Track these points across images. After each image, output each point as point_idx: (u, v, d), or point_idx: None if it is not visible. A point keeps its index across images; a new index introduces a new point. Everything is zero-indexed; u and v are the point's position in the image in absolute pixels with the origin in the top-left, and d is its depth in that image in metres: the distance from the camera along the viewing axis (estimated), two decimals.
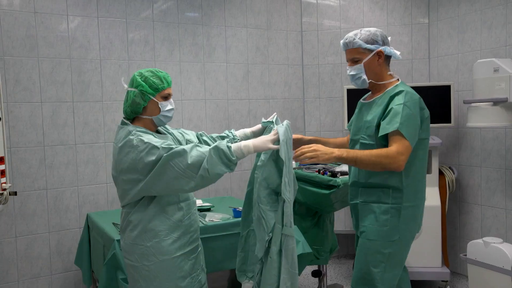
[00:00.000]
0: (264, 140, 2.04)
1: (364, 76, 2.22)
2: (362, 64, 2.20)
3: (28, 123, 3.39)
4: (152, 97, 2.10)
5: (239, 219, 2.96)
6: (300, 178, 3.28)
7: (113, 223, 2.92)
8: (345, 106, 3.99)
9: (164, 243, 2.09)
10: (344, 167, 3.29)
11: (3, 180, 2.78)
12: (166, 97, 2.14)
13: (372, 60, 2.19)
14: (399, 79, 2.33)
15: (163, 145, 1.98)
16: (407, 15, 4.33)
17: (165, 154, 1.94)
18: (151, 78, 2.10)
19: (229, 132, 2.44)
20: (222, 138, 2.41)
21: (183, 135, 2.33)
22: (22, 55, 3.35)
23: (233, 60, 4.18)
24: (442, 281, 3.72)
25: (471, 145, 3.97)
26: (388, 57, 2.25)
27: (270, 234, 2.06)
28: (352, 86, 4.00)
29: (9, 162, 3.29)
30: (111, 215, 3.22)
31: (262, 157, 2.12)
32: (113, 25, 3.66)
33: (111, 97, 3.66)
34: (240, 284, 2.42)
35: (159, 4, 3.83)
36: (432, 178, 3.78)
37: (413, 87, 3.83)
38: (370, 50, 2.18)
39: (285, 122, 2.11)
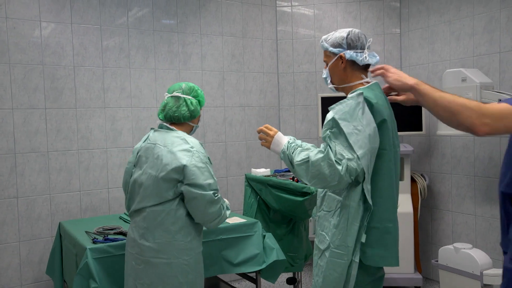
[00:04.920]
0: None
1: (329, 80, 2.15)
2: (328, 68, 2.16)
3: None
4: (201, 108, 2.46)
5: (231, 224, 3.00)
6: (274, 186, 3.30)
7: (86, 232, 2.88)
8: (320, 114, 4.04)
9: (198, 237, 2.33)
10: None
11: None
12: None
13: (335, 64, 2.11)
14: (369, 83, 2.10)
15: (215, 188, 2.27)
16: (379, 25, 4.42)
17: (210, 194, 2.23)
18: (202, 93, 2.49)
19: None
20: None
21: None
22: None
23: (209, 67, 4.19)
24: (415, 287, 3.78)
25: (442, 153, 4.06)
26: (354, 62, 2.09)
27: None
28: (326, 94, 4.07)
29: None
30: (84, 224, 3.17)
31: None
32: (87, 31, 3.63)
33: (84, 104, 3.62)
34: None
35: (134, 11, 3.82)
36: (404, 185, 3.85)
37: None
38: (334, 54, 2.10)
39: None
